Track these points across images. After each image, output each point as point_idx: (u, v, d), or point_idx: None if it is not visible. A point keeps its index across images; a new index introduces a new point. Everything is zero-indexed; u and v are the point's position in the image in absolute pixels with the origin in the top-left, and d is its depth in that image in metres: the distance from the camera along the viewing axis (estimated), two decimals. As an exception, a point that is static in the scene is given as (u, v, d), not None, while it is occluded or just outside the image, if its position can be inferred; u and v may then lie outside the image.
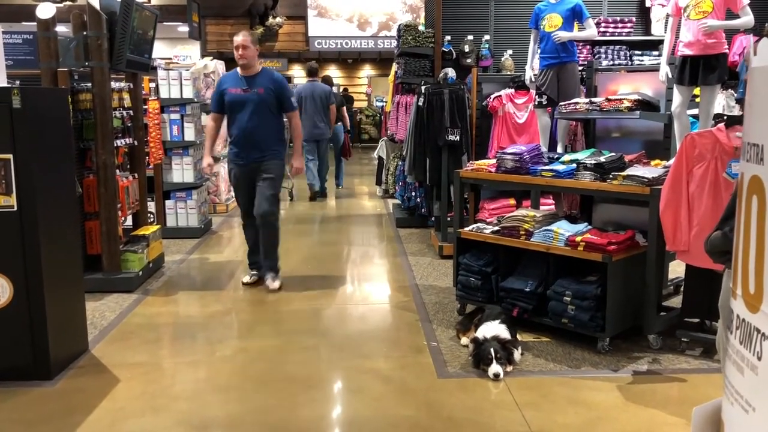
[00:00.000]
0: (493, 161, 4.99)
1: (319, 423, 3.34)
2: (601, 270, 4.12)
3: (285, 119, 5.51)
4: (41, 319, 3.68)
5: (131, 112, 5.97)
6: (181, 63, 10.41)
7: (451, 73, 7.75)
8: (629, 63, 7.82)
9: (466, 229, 4.82)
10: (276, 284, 5.47)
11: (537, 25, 5.43)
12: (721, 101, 6.22)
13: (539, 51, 5.46)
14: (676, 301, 4.89)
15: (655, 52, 7.99)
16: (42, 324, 3.68)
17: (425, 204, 7.76)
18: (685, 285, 4.32)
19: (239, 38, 5.24)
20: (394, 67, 9.89)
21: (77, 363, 4.01)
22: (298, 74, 24.19)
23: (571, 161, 4.57)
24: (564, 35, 5.21)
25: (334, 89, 11.85)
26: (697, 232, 3.79)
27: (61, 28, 5.72)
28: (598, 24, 7.58)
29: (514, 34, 8.35)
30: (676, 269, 5.41)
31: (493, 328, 4.00)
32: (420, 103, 6.49)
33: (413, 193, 7.87)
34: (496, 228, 4.63)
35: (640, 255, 4.18)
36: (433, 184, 6.51)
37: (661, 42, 8.04)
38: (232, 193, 9.74)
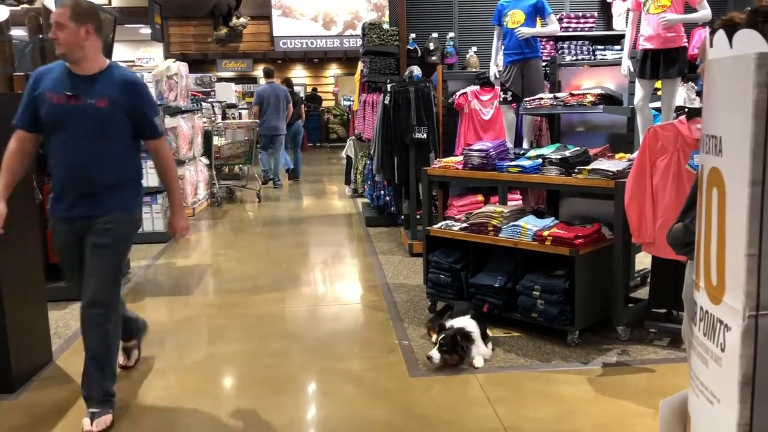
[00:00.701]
0: (460, 158, 5.00)
1: (291, 427, 3.30)
2: (569, 264, 4.16)
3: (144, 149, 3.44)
4: (1, 331, 3.58)
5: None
6: (145, 65, 10.29)
7: (416, 71, 7.73)
8: (592, 58, 7.90)
9: (435, 226, 4.82)
10: (99, 427, 3.19)
11: (500, 21, 5.45)
12: (683, 94, 6.31)
13: (503, 47, 5.47)
14: (643, 293, 4.96)
15: (617, 47, 8.07)
16: (2, 336, 3.58)
17: (394, 202, 7.76)
18: (651, 276, 4.38)
19: (55, 13, 3.19)
20: (360, 65, 9.89)
21: (41, 374, 3.91)
22: (262, 74, 24.03)
23: (537, 156, 4.60)
24: (527, 31, 5.24)
25: (301, 90, 14.61)
26: (662, 223, 3.83)
27: (17, 32, 5.59)
28: (560, 19, 7.65)
29: (478, 32, 8.38)
30: (643, 261, 5.47)
31: (463, 321, 4.01)
32: (386, 102, 6.48)
33: (381, 192, 7.85)
34: (465, 225, 4.63)
35: (606, 248, 4.22)
36: (401, 182, 6.50)
37: (622, 36, 8.13)
38: (200, 196, 9.72)
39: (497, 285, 4.41)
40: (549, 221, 4.39)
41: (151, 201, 7.40)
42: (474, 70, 7.88)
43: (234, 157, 10.44)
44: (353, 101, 10.33)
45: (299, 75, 24.73)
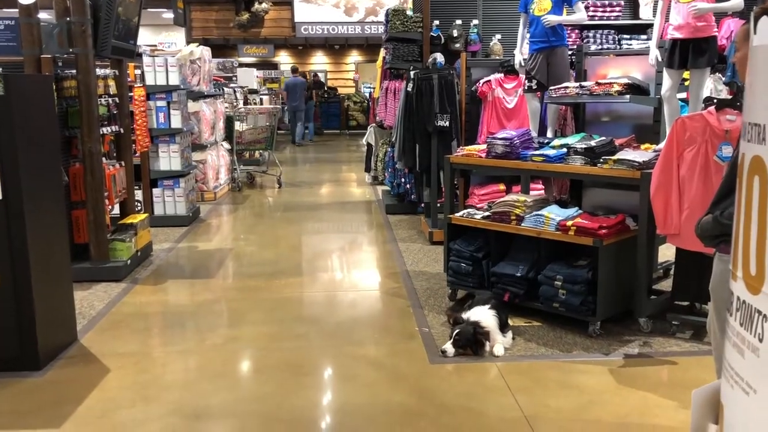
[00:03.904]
0: (483, 147, 4.97)
1: (312, 410, 3.32)
2: (592, 254, 4.13)
3: None
4: (29, 309, 3.63)
5: (117, 99, 5.89)
6: (167, 50, 10.32)
7: (439, 58, 7.71)
8: (617, 47, 7.81)
9: (457, 214, 4.80)
10: None
11: (526, 9, 5.39)
12: (709, 85, 6.22)
13: (528, 35, 5.42)
14: (665, 285, 4.91)
15: (643, 36, 7.98)
16: (30, 314, 3.63)
17: (414, 190, 7.74)
18: (675, 268, 4.34)
19: None
20: (382, 52, 9.85)
21: (66, 353, 3.96)
22: (284, 60, 24.04)
23: (561, 146, 4.56)
24: (553, 19, 5.18)
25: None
26: (688, 215, 3.79)
27: (44, 15, 5.63)
28: (586, 7, 7.55)
29: (502, 19, 8.31)
30: (666, 253, 5.43)
31: (480, 314, 4.00)
32: (409, 89, 6.45)
33: (402, 180, 7.84)
34: (487, 213, 4.61)
35: (630, 239, 4.18)
36: (422, 170, 6.48)
37: (649, 26, 8.04)
38: (221, 181, 9.76)
39: (519, 274, 4.39)
40: (572, 211, 4.36)
41: (173, 184, 7.45)
42: (497, 57, 7.81)
43: (255, 143, 10.46)
44: (374, 88, 10.27)
45: (320, 62, 24.70)
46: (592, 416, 3.17)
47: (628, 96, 4.64)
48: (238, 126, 10.24)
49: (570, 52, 5.51)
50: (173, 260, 6.17)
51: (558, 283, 4.18)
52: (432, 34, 7.80)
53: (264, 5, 21.97)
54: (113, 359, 3.89)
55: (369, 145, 10.31)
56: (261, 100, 13.96)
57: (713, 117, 3.66)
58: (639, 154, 4.18)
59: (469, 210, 4.86)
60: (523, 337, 4.12)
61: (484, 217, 4.61)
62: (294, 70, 18.42)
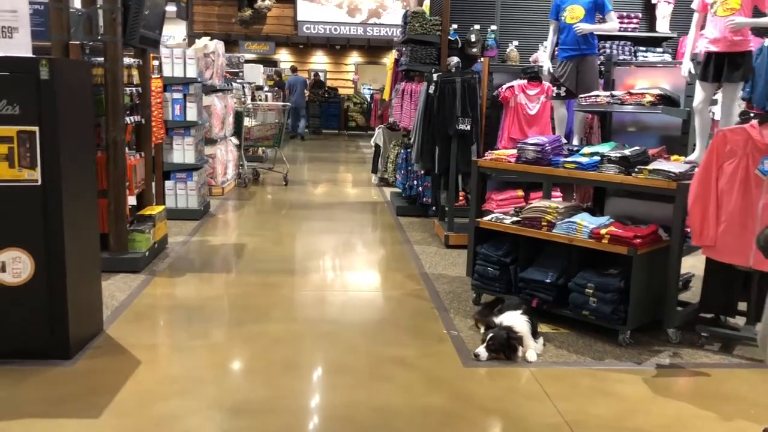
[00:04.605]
0: (512, 151, 4.97)
1: (352, 409, 3.29)
2: (623, 263, 4.14)
3: None
4: (62, 297, 3.58)
5: (140, 89, 5.83)
6: (165, 43, 10.24)
7: (455, 61, 7.73)
8: (633, 58, 7.85)
9: (485, 219, 4.80)
10: None
11: (557, 16, 5.40)
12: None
13: (559, 42, 5.43)
14: (685, 297, 4.92)
15: (659, 49, 8.04)
16: (62, 302, 3.59)
17: (428, 193, 7.74)
18: (704, 281, 4.34)
19: None
20: (393, 54, 9.86)
21: (94, 343, 3.91)
22: (284, 58, 23.98)
23: (592, 154, 4.56)
24: (586, 27, 5.19)
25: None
26: (725, 228, 3.82)
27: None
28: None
29: (520, 26, 8.35)
30: (685, 265, 5.44)
31: (512, 318, 4.00)
32: (431, 91, 6.44)
33: (415, 182, 7.83)
34: (517, 218, 4.61)
35: (661, 249, 4.20)
36: (441, 173, 6.47)
37: (665, 39, 8.11)
38: (228, 176, 9.69)
39: (548, 281, 4.39)
40: (604, 219, 4.37)
41: (186, 178, 7.39)
42: (513, 64, 7.85)
43: (263, 139, 10.41)
44: (383, 89, 10.25)
45: (320, 61, 24.66)
46: (634, 425, 3.17)
47: (660, 107, 4.66)
48: (246, 122, 10.19)
49: (599, 61, 5.52)
50: (189, 254, 6.12)
51: (589, 291, 4.18)
52: (449, 38, 7.81)
53: (267, 2, 21.91)
54: (142, 351, 3.84)
55: (377, 146, 10.29)
56: (266, 96, 13.90)
57: (756, 131, 3.68)
58: (674, 165, 4.19)
59: (496, 214, 4.86)
60: (553, 344, 4.12)
61: (514, 222, 4.60)
62: (293, 70, 20.99)
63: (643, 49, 7.99)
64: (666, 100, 4.70)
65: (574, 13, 5.21)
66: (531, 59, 7.95)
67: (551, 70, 5.60)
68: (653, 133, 5.22)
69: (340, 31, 22.59)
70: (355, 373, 3.72)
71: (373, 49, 24.08)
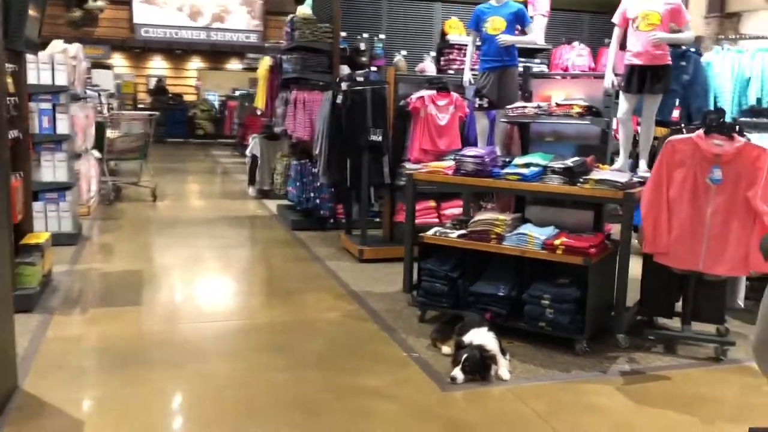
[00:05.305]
0: (447, 163, 4.89)
1: (350, 454, 3.00)
2: (573, 273, 4.19)
3: None
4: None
5: (15, 99, 5.04)
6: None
7: (346, 70, 7.56)
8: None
9: (429, 233, 4.66)
10: None
11: (477, 27, 5.39)
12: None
13: (480, 54, 5.42)
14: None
15: (537, 60, 8.39)
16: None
17: (325, 206, 7.48)
18: (643, 283, 4.50)
19: None
20: (267, 60, 9.45)
21: (12, 405, 3.27)
22: (118, 63, 22.40)
23: (527, 164, 4.57)
24: (509, 39, 5.23)
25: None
26: (677, 235, 3.97)
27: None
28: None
29: (406, 36, 8.35)
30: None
31: (481, 336, 3.88)
32: (338, 101, 6.20)
33: (312, 194, 7.53)
34: (464, 232, 4.53)
35: (609, 257, 4.30)
36: (353, 185, 6.25)
37: (541, 51, 8.48)
38: (92, 192, 8.75)
39: (501, 294, 4.34)
40: (550, 230, 4.39)
41: (58, 198, 6.56)
42: (402, 73, 7.81)
43: (127, 151, 9.56)
44: (256, 97, 9.78)
45: (159, 66, 23.36)
46: (636, 438, 3.18)
47: (589, 117, 4.79)
48: (109, 133, 9.30)
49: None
50: (79, 286, 5.39)
51: (545, 302, 4.18)
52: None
53: (99, 3, 20.37)
54: (75, 408, 3.27)
55: (254, 156, 9.84)
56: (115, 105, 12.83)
57: (703, 141, 3.86)
58: (617, 175, 4.31)
59: (439, 228, 4.75)
60: (517, 359, 4.05)
61: (460, 236, 4.51)
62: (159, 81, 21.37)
63: (523, 60, 8.28)
64: (592, 112, 4.84)
65: (495, 25, 5.23)
66: (417, 69, 7.97)
67: (471, 81, 5.58)
68: (571, 142, 5.36)
69: (181, 35, 21.57)
70: (331, 413, 3.38)
71: (216, 54, 23.22)
